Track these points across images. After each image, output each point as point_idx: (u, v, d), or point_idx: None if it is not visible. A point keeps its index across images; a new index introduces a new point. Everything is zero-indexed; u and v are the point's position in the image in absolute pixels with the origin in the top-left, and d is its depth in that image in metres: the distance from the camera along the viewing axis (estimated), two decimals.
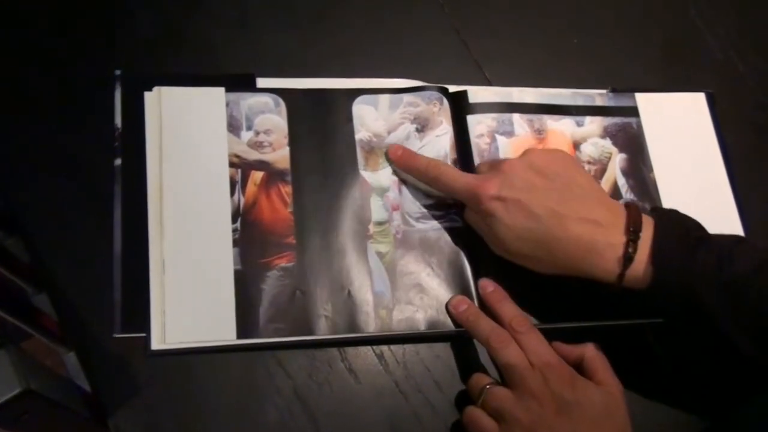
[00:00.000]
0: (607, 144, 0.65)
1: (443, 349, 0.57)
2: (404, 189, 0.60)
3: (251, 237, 0.56)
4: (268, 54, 0.63)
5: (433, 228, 0.59)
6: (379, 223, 0.58)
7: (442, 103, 0.63)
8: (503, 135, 0.62)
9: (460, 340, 0.57)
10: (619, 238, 0.51)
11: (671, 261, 0.49)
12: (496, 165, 0.55)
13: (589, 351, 0.53)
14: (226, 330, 0.53)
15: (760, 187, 0.67)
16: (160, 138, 0.57)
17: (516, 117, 0.63)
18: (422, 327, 0.56)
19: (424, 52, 0.66)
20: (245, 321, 0.53)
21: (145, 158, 0.57)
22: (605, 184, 0.63)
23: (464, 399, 0.54)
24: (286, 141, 0.59)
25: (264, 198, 0.57)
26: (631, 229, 0.50)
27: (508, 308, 0.55)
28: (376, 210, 0.59)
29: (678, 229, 0.51)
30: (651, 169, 0.64)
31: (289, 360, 0.54)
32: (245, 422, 0.52)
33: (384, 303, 0.56)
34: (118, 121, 0.58)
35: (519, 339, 0.53)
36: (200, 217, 0.56)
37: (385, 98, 0.62)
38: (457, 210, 0.59)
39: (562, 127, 0.64)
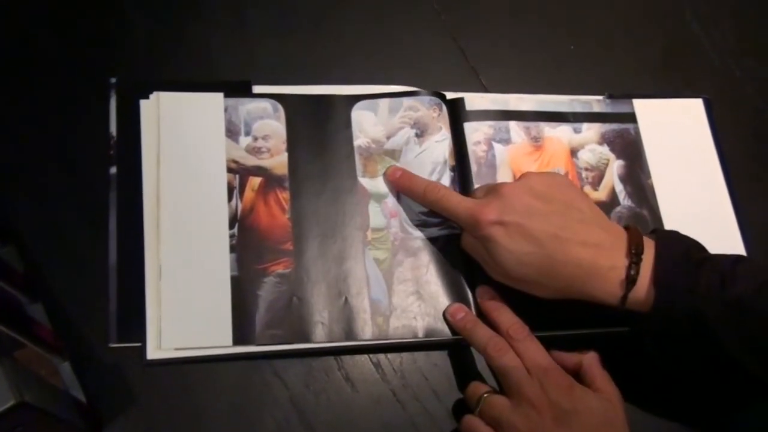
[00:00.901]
0: (605, 150, 0.65)
1: (440, 358, 0.57)
2: (402, 196, 0.60)
3: (248, 243, 0.56)
4: (265, 60, 0.63)
5: (430, 235, 0.59)
6: (377, 230, 0.58)
7: (441, 109, 0.62)
8: (500, 143, 0.62)
9: (457, 348, 0.57)
10: (621, 261, 0.50)
11: (674, 282, 0.49)
12: (494, 189, 0.55)
13: (587, 359, 0.53)
14: (222, 336, 0.53)
15: (757, 193, 0.67)
16: (158, 143, 0.57)
17: (513, 125, 0.63)
18: (419, 334, 0.56)
19: (421, 59, 0.66)
20: (241, 327, 0.53)
21: (140, 166, 0.56)
22: (603, 190, 0.63)
23: (462, 408, 0.54)
24: (284, 147, 0.59)
25: (262, 204, 0.57)
26: (633, 251, 0.50)
27: (506, 316, 0.55)
28: (374, 216, 0.59)
29: (679, 250, 0.50)
30: (649, 176, 0.64)
31: (286, 369, 0.54)
32: None
33: (381, 310, 0.56)
34: (113, 129, 0.58)
35: (516, 347, 0.52)
36: (197, 223, 0.55)
37: (384, 103, 0.62)
38: None
39: (559, 134, 0.64)
